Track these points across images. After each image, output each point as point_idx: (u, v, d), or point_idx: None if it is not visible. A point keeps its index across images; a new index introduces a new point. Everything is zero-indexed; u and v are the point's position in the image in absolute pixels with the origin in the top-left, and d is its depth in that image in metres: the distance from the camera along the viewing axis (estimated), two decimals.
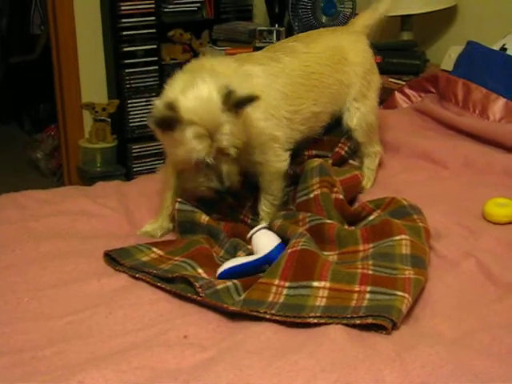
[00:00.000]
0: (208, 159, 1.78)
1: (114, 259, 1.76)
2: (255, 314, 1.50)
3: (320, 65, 2.17)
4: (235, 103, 1.76)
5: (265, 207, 2.03)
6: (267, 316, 1.49)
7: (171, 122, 1.75)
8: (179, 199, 1.96)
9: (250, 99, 1.78)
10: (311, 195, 1.99)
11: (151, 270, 1.68)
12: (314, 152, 2.26)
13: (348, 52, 2.25)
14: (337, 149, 2.32)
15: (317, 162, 2.09)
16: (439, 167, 2.40)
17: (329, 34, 2.31)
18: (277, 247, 1.74)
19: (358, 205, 2.05)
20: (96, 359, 1.38)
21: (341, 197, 2.00)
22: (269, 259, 1.71)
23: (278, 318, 1.49)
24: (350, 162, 2.36)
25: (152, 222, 2.04)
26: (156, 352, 1.39)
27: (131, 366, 1.34)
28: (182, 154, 1.79)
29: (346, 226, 1.95)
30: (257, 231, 1.79)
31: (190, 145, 1.75)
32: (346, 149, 2.34)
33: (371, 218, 1.95)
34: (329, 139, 2.32)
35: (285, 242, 1.77)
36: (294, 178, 2.09)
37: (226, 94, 1.75)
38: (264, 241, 1.77)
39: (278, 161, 2.02)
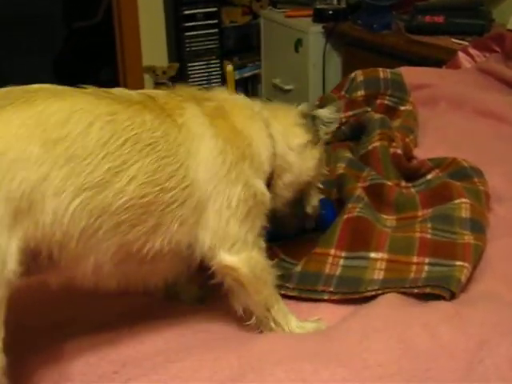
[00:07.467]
0: None
1: None
2: (314, 296, 1.48)
3: None
4: None
5: None
6: (325, 297, 1.47)
7: None
8: None
9: None
10: (370, 147, 1.98)
11: None
12: (350, 113, 2.22)
13: None
14: (378, 101, 2.32)
15: (378, 115, 2.09)
16: (503, 124, 2.33)
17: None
18: (320, 202, 1.68)
19: (417, 161, 2.01)
20: None
21: (398, 151, 1.98)
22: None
23: (336, 297, 1.46)
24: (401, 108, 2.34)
25: None
26: None
27: None
28: None
29: (403, 183, 1.93)
30: None
31: None
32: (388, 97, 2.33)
33: (429, 177, 1.92)
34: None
35: (339, 194, 1.79)
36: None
37: None
38: None
39: None
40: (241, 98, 1.49)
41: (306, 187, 1.59)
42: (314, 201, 1.64)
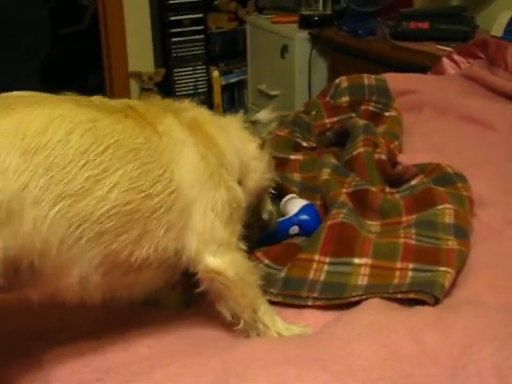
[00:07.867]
0: None
1: None
2: (297, 302, 1.48)
3: None
4: None
5: None
6: (309, 303, 1.47)
7: None
8: None
9: None
10: (354, 153, 1.99)
11: None
12: (335, 118, 2.24)
13: None
14: (363, 107, 2.33)
15: (362, 121, 2.11)
16: (487, 130, 2.34)
17: None
18: (303, 207, 1.74)
19: (402, 167, 2.02)
20: None
21: (383, 157, 1.99)
22: (296, 220, 1.72)
23: (320, 303, 1.46)
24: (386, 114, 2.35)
25: None
26: None
27: None
28: None
29: (388, 188, 1.94)
30: (288, 199, 1.80)
31: None
32: (373, 103, 2.34)
33: (413, 182, 1.92)
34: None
35: (323, 200, 1.79)
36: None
37: None
38: (292, 204, 1.77)
39: None
40: (205, 110, 1.49)
41: (262, 192, 1.60)
42: (269, 206, 1.65)
